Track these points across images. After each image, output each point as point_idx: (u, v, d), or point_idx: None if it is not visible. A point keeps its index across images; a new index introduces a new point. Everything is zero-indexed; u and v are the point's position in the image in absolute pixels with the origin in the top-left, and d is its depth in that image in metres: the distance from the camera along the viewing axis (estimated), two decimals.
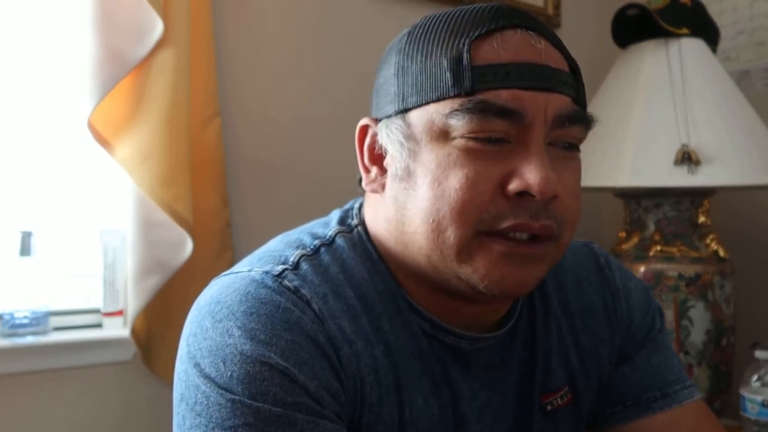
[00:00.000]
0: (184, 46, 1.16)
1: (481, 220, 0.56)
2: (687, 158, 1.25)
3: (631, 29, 1.42)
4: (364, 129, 0.65)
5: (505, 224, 0.56)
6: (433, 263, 0.59)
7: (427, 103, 0.58)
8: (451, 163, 0.56)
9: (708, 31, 1.42)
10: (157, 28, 1.11)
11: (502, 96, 0.56)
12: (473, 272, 0.57)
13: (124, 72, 1.10)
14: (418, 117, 0.59)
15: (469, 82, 0.56)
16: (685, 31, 1.37)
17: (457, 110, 0.56)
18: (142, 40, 1.11)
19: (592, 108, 1.44)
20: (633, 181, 1.30)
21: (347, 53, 1.45)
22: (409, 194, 0.59)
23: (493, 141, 0.56)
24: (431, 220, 0.57)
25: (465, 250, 0.57)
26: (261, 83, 1.36)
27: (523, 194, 0.56)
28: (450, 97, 0.57)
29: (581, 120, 0.60)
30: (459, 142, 0.57)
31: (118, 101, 1.12)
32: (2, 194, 1.17)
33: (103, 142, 1.11)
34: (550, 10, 1.79)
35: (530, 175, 0.55)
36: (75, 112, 1.14)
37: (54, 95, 1.20)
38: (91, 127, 1.10)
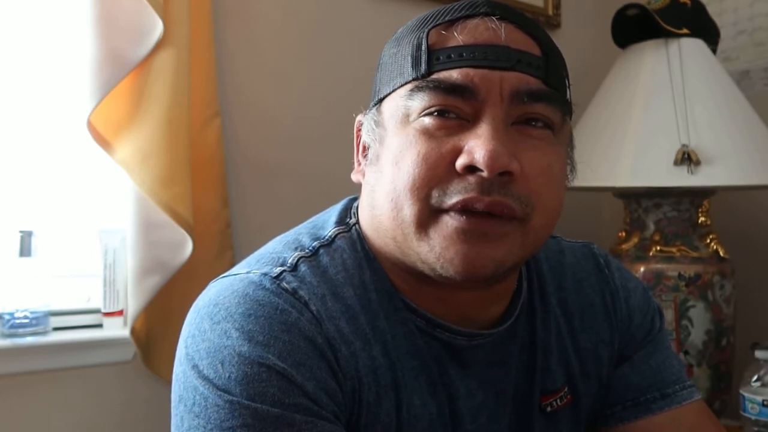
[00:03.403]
0: (184, 46, 1.16)
1: (432, 196, 0.57)
2: (687, 158, 1.25)
3: (631, 29, 1.42)
4: (358, 125, 0.68)
5: (455, 199, 0.56)
6: (399, 245, 0.60)
7: (394, 90, 0.61)
8: (408, 144, 0.58)
9: (708, 32, 1.42)
10: (157, 28, 1.11)
11: (454, 74, 0.57)
12: (429, 251, 0.57)
13: (124, 72, 1.10)
14: (387, 105, 0.62)
15: (426, 65, 0.58)
16: (685, 31, 1.37)
17: (412, 90, 0.58)
18: (142, 41, 1.11)
19: (592, 108, 1.46)
20: (633, 181, 1.30)
21: (347, 53, 1.45)
22: (378, 177, 0.61)
23: (449, 118, 0.58)
24: (390, 199, 0.59)
25: (422, 227, 0.57)
26: (261, 83, 1.36)
27: (474, 170, 0.56)
28: (410, 81, 0.59)
29: (545, 98, 0.59)
30: (417, 123, 0.58)
31: (118, 101, 1.12)
32: (2, 194, 1.17)
33: (103, 142, 1.11)
34: (550, 11, 1.79)
35: (477, 149, 0.55)
36: (75, 112, 1.13)
37: (54, 95, 1.20)
38: (91, 127, 1.10)
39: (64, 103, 1.20)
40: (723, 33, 1.48)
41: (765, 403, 1.14)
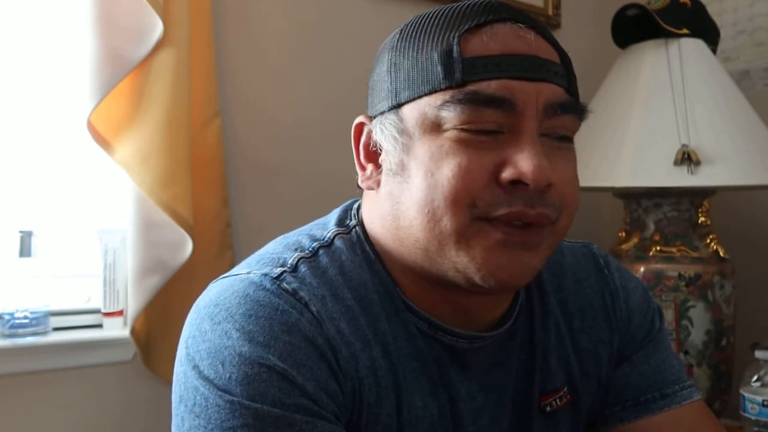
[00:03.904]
0: (184, 46, 1.16)
1: (475, 206, 0.56)
2: (687, 158, 1.25)
3: (631, 29, 1.42)
4: (360, 127, 0.66)
5: (501, 212, 0.56)
6: (431, 256, 0.59)
7: (420, 96, 0.59)
8: (444, 154, 0.57)
9: (708, 32, 1.42)
10: (157, 28, 1.11)
11: (493, 86, 0.56)
12: (470, 261, 0.57)
13: (124, 72, 1.10)
14: (411, 111, 0.60)
15: (460, 74, 0.57)
16: (685, 31, 1.37)
17: (448, 102, 0.57)
18: (142, 41, 1.11)
19: (592, 108, 1.45)
20: (633, 181, 1.30)
21: (347, 53, 1.45)
22: (403, 188, 0.60)
23: (486, 132, 0.57)
24: (426, 211, 0.57)
25: (463, 237, 0.57)
26: (261, 83, 1.36)
27: (517, 183, 0.56)
28: (441, 90, 0.57)
29: (573, 109, 0.60)
30: (451, 134, 0.57)
31: (118, 102, 1.12)
32: (2, 194, 1.17)
33: (103, 142, 1.12)
34: (550, 11, 1.79)
35: (523, 164, 0.55)
36: (75, 112, 1.14)
37: (54, 96, 1.20)
38: (91, 127, 1.10)
39: (64, 103, 1.20)
40: (723, 33, 1.48)
41: (765, 403, 1.14)
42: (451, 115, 0.57)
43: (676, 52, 1.36)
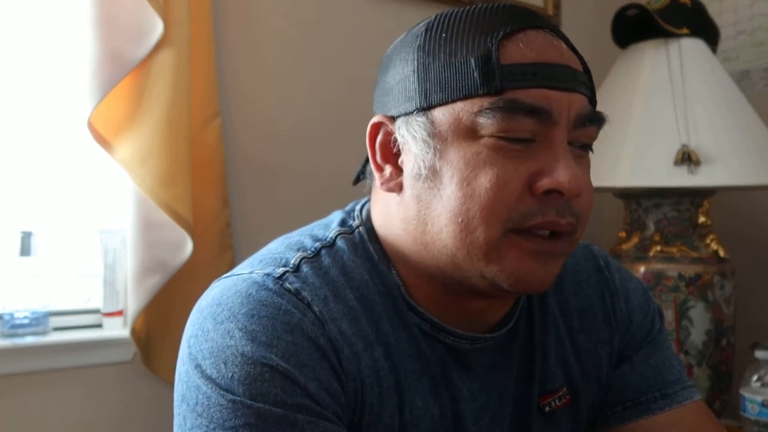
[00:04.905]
0: (184, 46, 1.16)
1: (510, 219, 0.56)
2: (687, 158, 1.25)
3: (631, 29, 1.42)
4: (377, 127, 0.64)
5: (533, 222, 0.57)
6: (457, 263, 0.59)
7: (454, 101, 0.58)
8: (481, 162, 0.57)
9: (708, 31, 1.42)
10: (157, 28, 1.11)
11: (532, 95, 0.56)
12: (500, 271, 0.57)
13: (124, 72, 1.10)
14: (444, 115, 0.58)
15: (499, 81, 0.56)
16: (685, 31, 1.37)
17: (487, 109, 0.56)
18: (142, 41, 1.11)
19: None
20: (633, 181, 1.30)
21: (347, 53, 1.45)
22: (434, 194, 0.59)
23: (521, 140, 0.57)
24: (460, 219, 0.57)
25: (494, 249, 0.57)
26: (261, 83, 1.36)
27: (551, 192, 0.56)
28: (478, 96, 0.57)
29: (597, 120, 0.61)
30: (487, 141, 0.57)
31: (118, 101, 1.12)
32: (2, 194, 1.17)
33: (103, 142, 1.12)
34: (550, 10, 1.79)
35: (559, 174, 0.56)
36: (75, 112, 1.14)
37: (54, 96, 1.20)
38: (91, 127, 1.10)
39: (64, 103, 1.20)
40: (723, 33, 1.48)
41: (765, 403, 1.15)
42: (488, 122, 0.56)
43: (676, 52, 1.36)
